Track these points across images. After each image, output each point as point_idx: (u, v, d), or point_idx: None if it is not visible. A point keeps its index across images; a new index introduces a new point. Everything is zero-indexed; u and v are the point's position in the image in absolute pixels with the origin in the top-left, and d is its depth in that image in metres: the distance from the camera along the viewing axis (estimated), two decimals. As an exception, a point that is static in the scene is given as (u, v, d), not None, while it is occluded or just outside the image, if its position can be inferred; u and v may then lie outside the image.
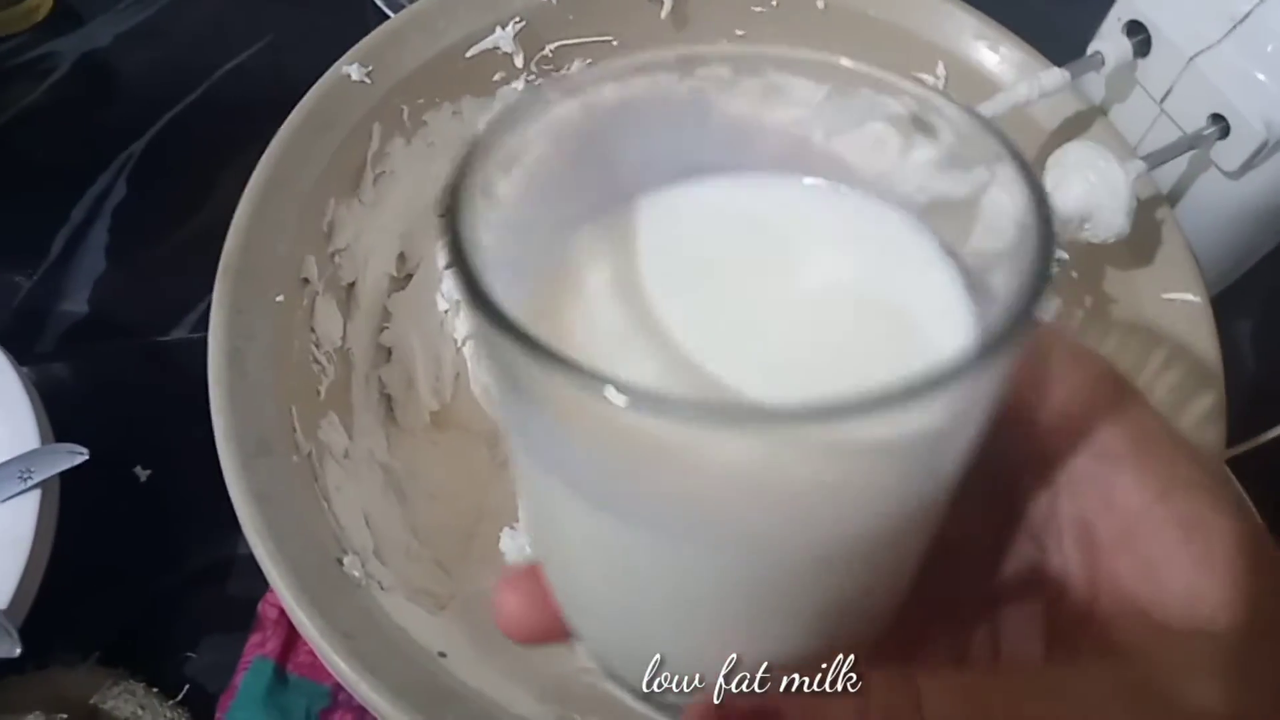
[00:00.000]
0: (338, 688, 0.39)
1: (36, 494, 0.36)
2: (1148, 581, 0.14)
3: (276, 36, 0.57)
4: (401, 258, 0.43)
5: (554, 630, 0.18)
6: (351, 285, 0.40)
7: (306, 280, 0.36)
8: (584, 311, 0.15)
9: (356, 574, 0.30)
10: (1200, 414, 0.34)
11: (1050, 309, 0.33)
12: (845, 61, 0.15)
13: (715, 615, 0.15)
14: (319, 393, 0.36)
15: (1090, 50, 0.37)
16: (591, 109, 0.15)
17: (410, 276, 0.43)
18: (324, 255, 0.38)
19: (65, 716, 0.35)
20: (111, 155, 0.52)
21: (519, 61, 0.42)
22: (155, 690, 0.38)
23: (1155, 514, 0.14)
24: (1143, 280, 0.37)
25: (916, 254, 0.15)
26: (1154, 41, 0.35)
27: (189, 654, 0.39)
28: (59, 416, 0.40)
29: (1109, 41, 0.36)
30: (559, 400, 0.12)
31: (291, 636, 0.40)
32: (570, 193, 0.15)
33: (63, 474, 0.37)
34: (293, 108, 0.37)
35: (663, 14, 0.43)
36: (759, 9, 0.43)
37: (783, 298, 0.15)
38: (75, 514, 0.38)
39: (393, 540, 0.36)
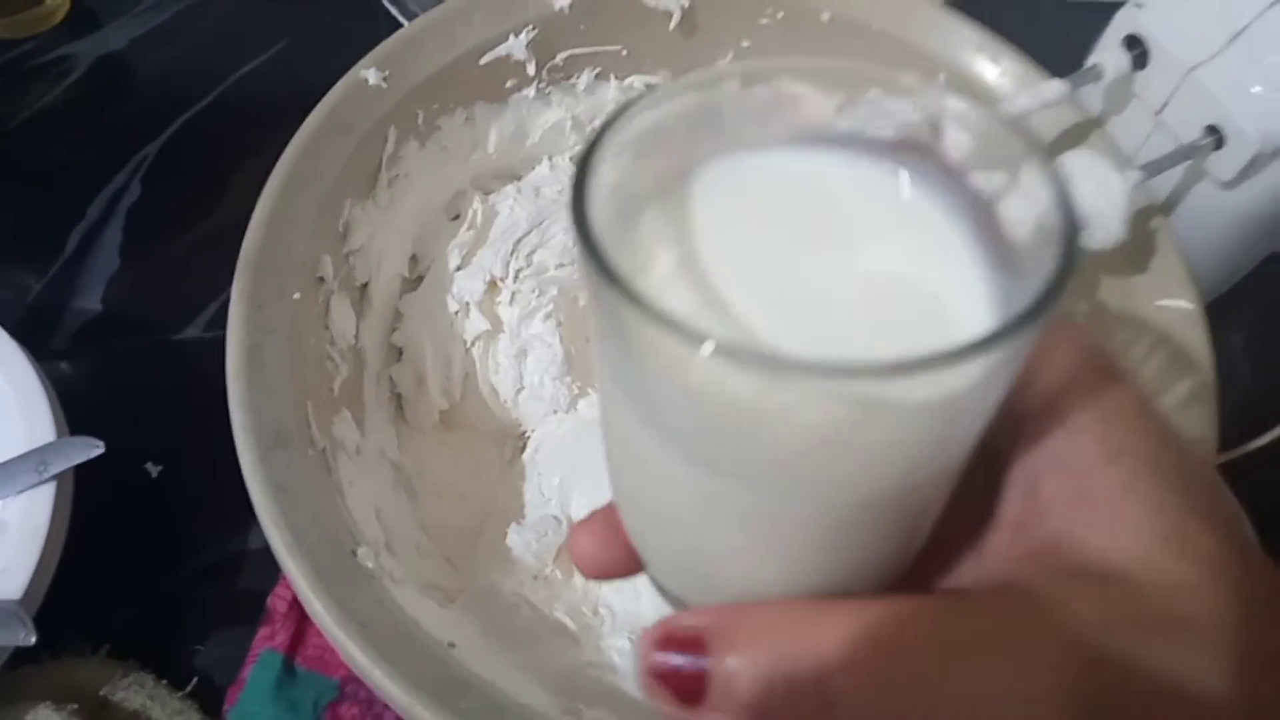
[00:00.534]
0: (346, 681, 0.39)
1: (52, 486, 0.36)
2: (1069, 539, 0.16)
3: (290, 42, 0.58)
4: (414, 259, 0.44)
5: (621, 566, 0.20)
6: (365, 285, 0.41)
7: (322, 279, 0.37)
8: (655, 281, 0.16)
9: (370, 565, 0.31)
10: (1193, 419, 0.35)
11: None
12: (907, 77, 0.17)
13: (778, 552, 0.17)
14: (333, 389, 0.37)
15: (1089, 62, 0.37)
16: (673, 110, 0.17)
17: (421, 278, 0.44)
18: (339, 255, 0.38)
19: (76, 706, 0.35)
20: (127, 155, 0.53)
21: (531, 69, 0.43)
22: (164, 682, 0.38)
23: (1097, 479, 0.16)
24: (1138, 287, 0.38)
25: (950, 240, 0.16)
26: (1152, 54, 0.36)
27: (198, 646, 0.40)
28: (71, 413, 0.40)
29: (1108, 54, 0.37)
30: (663, 358, 0.14)
31: (300, 630, 0.40)
32: (647, 174, 0.17)
33: (76, 469, 0.38)
34: (305, 112, 0.38)
35: (671, 25, 0.44)
36: (765, 21, 0.44)
37: (831, 273, 0.16)
38: (87, 508, 0.39)
39: (403, 535, 0.37)
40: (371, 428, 0.40)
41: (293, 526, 0.30)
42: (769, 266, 0.16)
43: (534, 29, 0.42)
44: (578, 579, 0.39)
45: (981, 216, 0.16)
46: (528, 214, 0.44)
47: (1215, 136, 0.35)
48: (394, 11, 0.56)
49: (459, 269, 0.43)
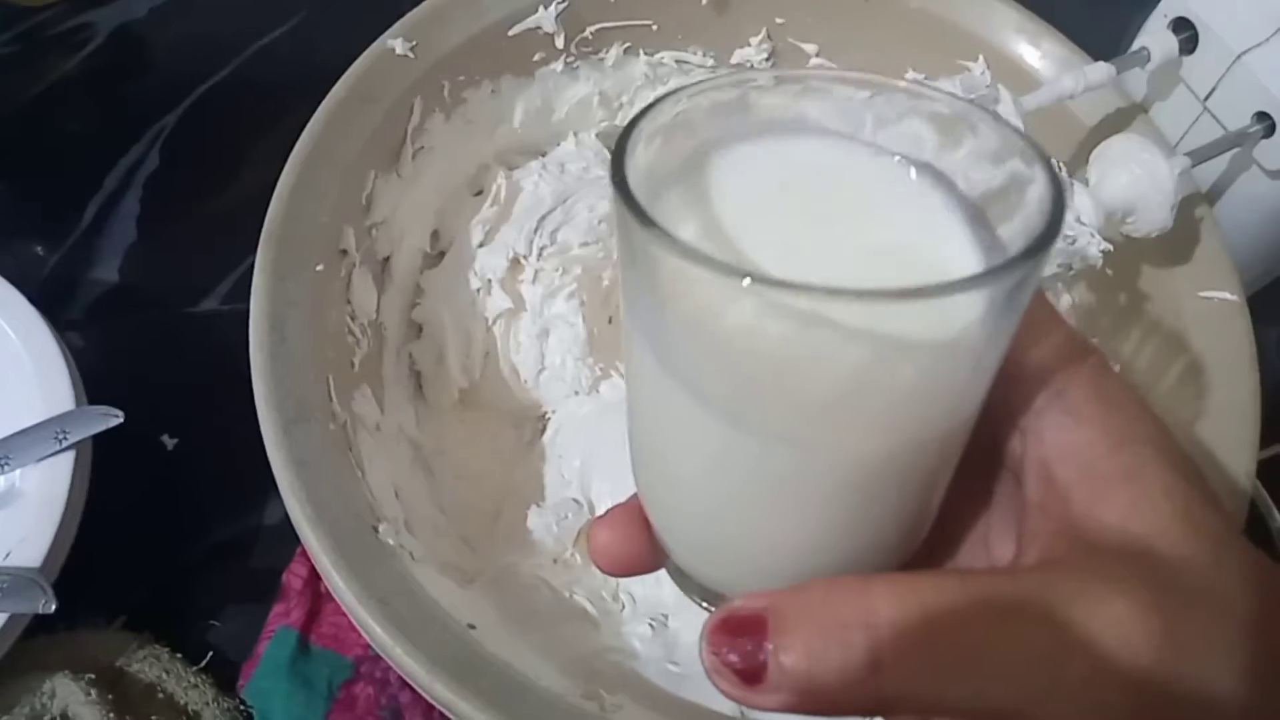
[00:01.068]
0: (360, 659, 0.39)
1: (71, 455, 0.36)
2: (1091, 517, 0.17)
3: (309, 14, 0.57)
4: (435, 235, 0.43)
5: (641, 561, 0.21)
6: (387, 259, 0.40)
7: (345, 251, 0.36)
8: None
9: (391, 542, 0.31)
10: (1233, 412, 0.34)
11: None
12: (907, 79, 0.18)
13: (803, 517, 0.18)
14: (353, 364, 0.37)
15: (1136, 46, 0.37)
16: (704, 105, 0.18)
17: (443, 254, 0.43)
18: (362, 228, 0.38)
19: (93, 677, 0.35)
20: (144, 127, 0.52)
21: (559, 42, 0.42)
22: (179, 656, 0.38)
23: (1108, 462, 0.17)
24: (1179, 277, 0.37)
25: (952, 220, 0.18)
26: (1201, 38, 0.35)
27: (213, 621, 0.40)
28: (88, 384, 0.40)
29: (1154, 37, 0.36)
30: (698, 302, 0.15)
31: (315, 607, 0.40)
32: (672, 157, 0.18)
33: (92, 440, 0.37)
34: (324, 84, 0.37)
35: (703, 0, 0.43)
36: (799, -3, 0.43)
37: (842, 244, 0.17)
38: (103, 480, 0.38)
39: (421, 514, 0.36)
40: (391, 404, 0.39)
41: (314, 501, 0.29)
42: (784, 238, 0.17)
43: (564, 1, 0.41)
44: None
45: (975, 212, 0.18)
46: (552, 191, 0.43)
47: (1265, 124, 0.34)
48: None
49: (481, 245, 0.43)
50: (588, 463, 0.40)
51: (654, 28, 0.43)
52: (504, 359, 0.42)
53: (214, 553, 0.42)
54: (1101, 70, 0.34)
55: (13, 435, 0.36)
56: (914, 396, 0.16)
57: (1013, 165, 0.17)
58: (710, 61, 0.45)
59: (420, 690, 0.29)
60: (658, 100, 0.17)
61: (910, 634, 0.15)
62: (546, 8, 0.40)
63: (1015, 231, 0.16)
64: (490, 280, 0.42)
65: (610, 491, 0.39)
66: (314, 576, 0.40)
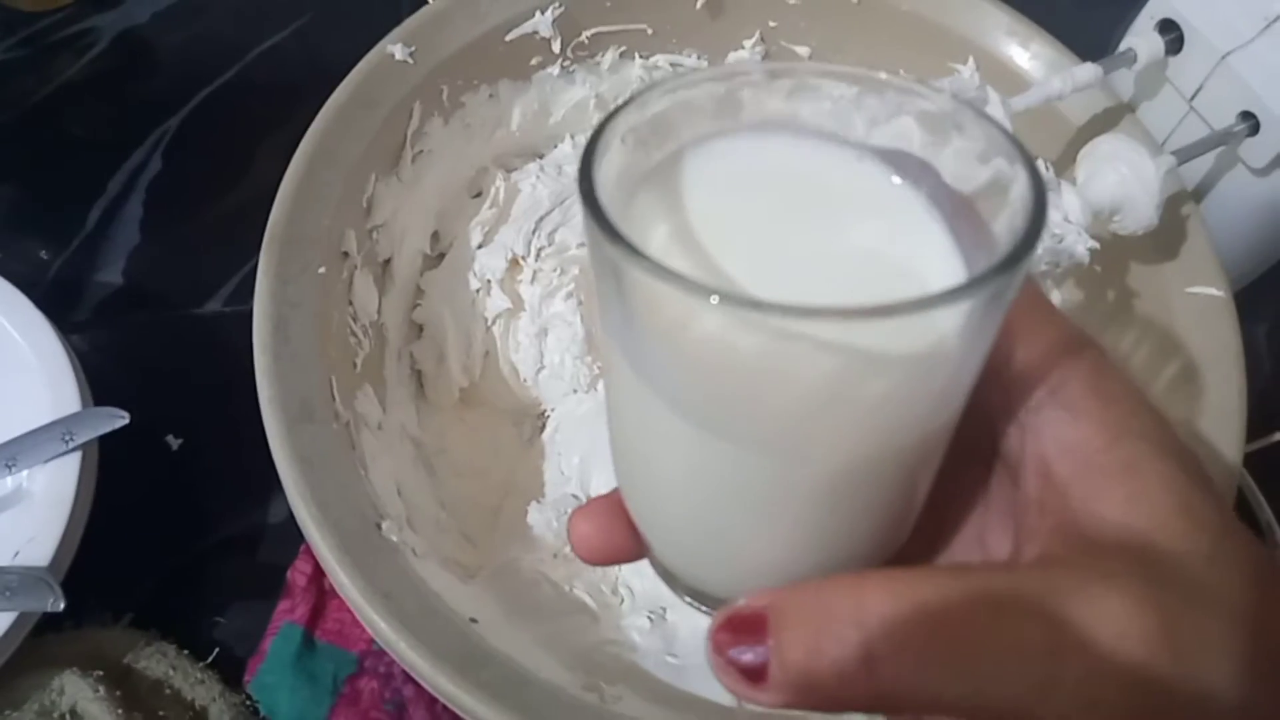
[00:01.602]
0: (364, 654, 0.40)
1: (78, 456, 0.36)
2: (1090, 513, 0.17)
3: (312, 18, 0.58)
4: (435, 236, 0.44)
5: (621, 551, 0.21)
6: (388, 261, 0.41)
7: (346, 254, 0.37)
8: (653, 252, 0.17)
9: (394, 538, 0.31)
10: (1220, 408, 0.34)
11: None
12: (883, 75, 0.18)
13: (780, 520, 0.18)
14: (355, 365, 0.37)
15: (1122, 47, 0.37)
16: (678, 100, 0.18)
17: (443, 255, 0.44)
18: (363, 230, 0.38)
19: (101, 674, 0.36)
20: (148, 130, 0.53)
21: (556, 47, 0.43)
22: (186, 652, 0.38)
23: (1105, 457, 0.17)
24: (1167, 274, 0.37)
25: (930, 225, 0.17)
26: (1186, 39, 0.36)
27: (218, 618, 0.40)
28: (92, 386, 0.40)
29: (1141, 38, 0.37)
30: (667, 317, 0.15)
31: (320, 603, 0.40)
32: (644, 157, 0.18)
33: (98, 441, 0.38)
34: (326, 87, 0.38)
35: (698, 4, 0.43)
36: (793, 1, 0.44)
37: (817, 249, 0.17)
38: (108, 480, 0.39)
39: (423, 511, 0.37)
40: (393, 404, 0.40)
41: (319, 499, 0.30)
42: (759, 241, 0.17)
43: (560, 6, 0.41)
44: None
45: (960, 205, 0.17)
46: (550, 192, 0.44)
47: (1249, 123, 0.34)
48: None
49: (481, 247, 0.43)
50: (587, 459, 0.41)
51: (649, 32, 0.44)
52: (503, 358, 0.43)
53: (219, 550, 0.42)
54: (1089, 71, 0.35)
55: (20, 437, 0.37)
56: (889, 406, 0.16)
57: (997, 165, 0.16)
58: (705, 65, 0.46)
59: (424, 684, 0.29)
60: (632, 97, 0.17)
61: (904, 630, 0.15)
62: (543, 13, 0.41)
63: (1000, 231, 0.16)
64: (489, 281, 0.43)
65: (609, 487, 0.39)
66: (318, 573, 0.40)
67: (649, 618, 0.37)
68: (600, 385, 0.43)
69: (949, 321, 0.14)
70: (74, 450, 0.36)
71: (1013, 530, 0.19)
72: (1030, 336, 0.18)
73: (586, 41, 0.43)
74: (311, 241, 0.35)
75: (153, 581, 0.41)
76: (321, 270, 0.35)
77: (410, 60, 0.39)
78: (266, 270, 0.33)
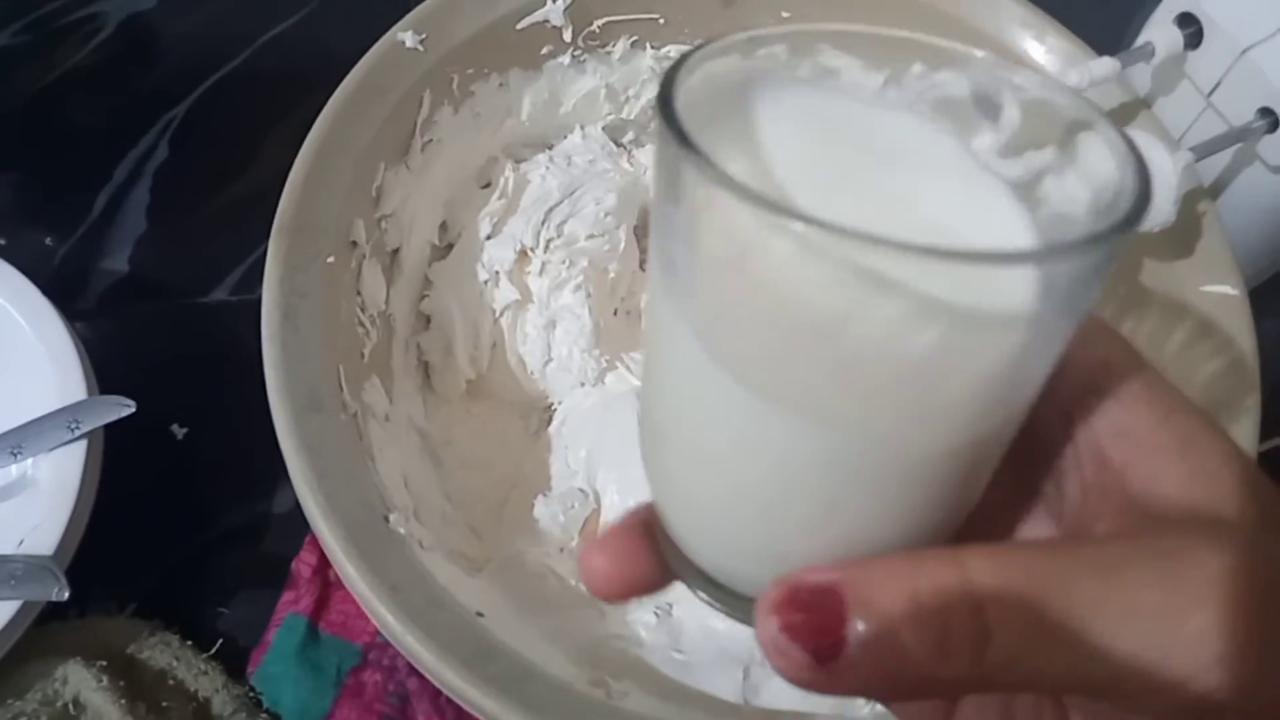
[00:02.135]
0: (369, 646, 0.39)
1: (83, 444, 0.36)
2: (1151, 493, 0.16)
3: (320, 5, 0.57)
4: (444, 226, 0.43)
5: (641, 583, 0.19)
6: (396, 251, 0.41)
7: (355, 243, 0.37)
8: None
9: (401, 531, 0.31)
10: (1235, 407, 0.34)
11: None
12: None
13: (843, 504, 0.16)
14: (363, 355, 0.37)
15: (1140, 40, 0.37)
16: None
17: (451, 246, 0.43)
18: (371, 220, 0.38)
19: (105, 664, 0.35)
20: (154, 117, 0.53)
21: (567, 36, 0.42)
22: (189, 643, 0.38)
23: (1158, 436, 0.17)
24: (1182, 271, 0.37)
25: (996, 198, 0.17)
26: (1206, 33, 0.35)
27: (222, 609, 0.40)
28: (98, 374, 0.40)
29: (1160, 31, 0.36)
30: (734, 246, 0.14)
31: (324, 595, 0.40)
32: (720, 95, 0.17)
33: (103, 429, 0.37)
34: (334, 75, 0.37)
35: (711, -7, 0.43)
36: (806, -9, 0.43)
37: (890, 213, 0.16)
38: (113, 469, 0.39)
39: (429, 503, 0.37)
40: (399, 395, 0.39)
41: (326, 490, 0.30)
42: (833, 194, 0.16)
43: (572, -6, 0.41)
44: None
45: (1036, 181, 0.16)
46: (559, 183, 0.44)
47: (1268, 119, 0.34)
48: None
49: (489, 238, 0.43)
50: (593, 453, 0.40)
51: (661, 21, 0.44)
52: (511, 350, 0.43)
53: (224, 541, 0.42)
54: (1106, 65, 0.34)
55: (26, 424, 0.36)
56: (988, 380, 0.14)
57: (1082, 138, 0.16)
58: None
59: (430, 677, 0.29)
60: (716, 39, 0.16)
61: (1015, 602, 0.14)
62: (554, 1, 0.41)
63: (1071, 206, 0.15)
64: (498, 272, 0.42)
65: (616, 480, 0.39)
66: (323, 564, 0.40)
67: (655, 613, 0.37)
68: (608, 379, 0.42)
69: (1064, 280, 0.13)
70: (80, 438, 0.36)
71: (1057, 521, 0.18)
72: (1078, 340, 0.17)
73: (598, 31, 0.43)
74: (320, 231, 0.34)
75: (157, 571, 0.41)
76: (330, 260, 0.35)
77: (421, 48, 0.38)
78: (275, 259, 0.33)
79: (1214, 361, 0.35)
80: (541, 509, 0.39)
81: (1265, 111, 0.34)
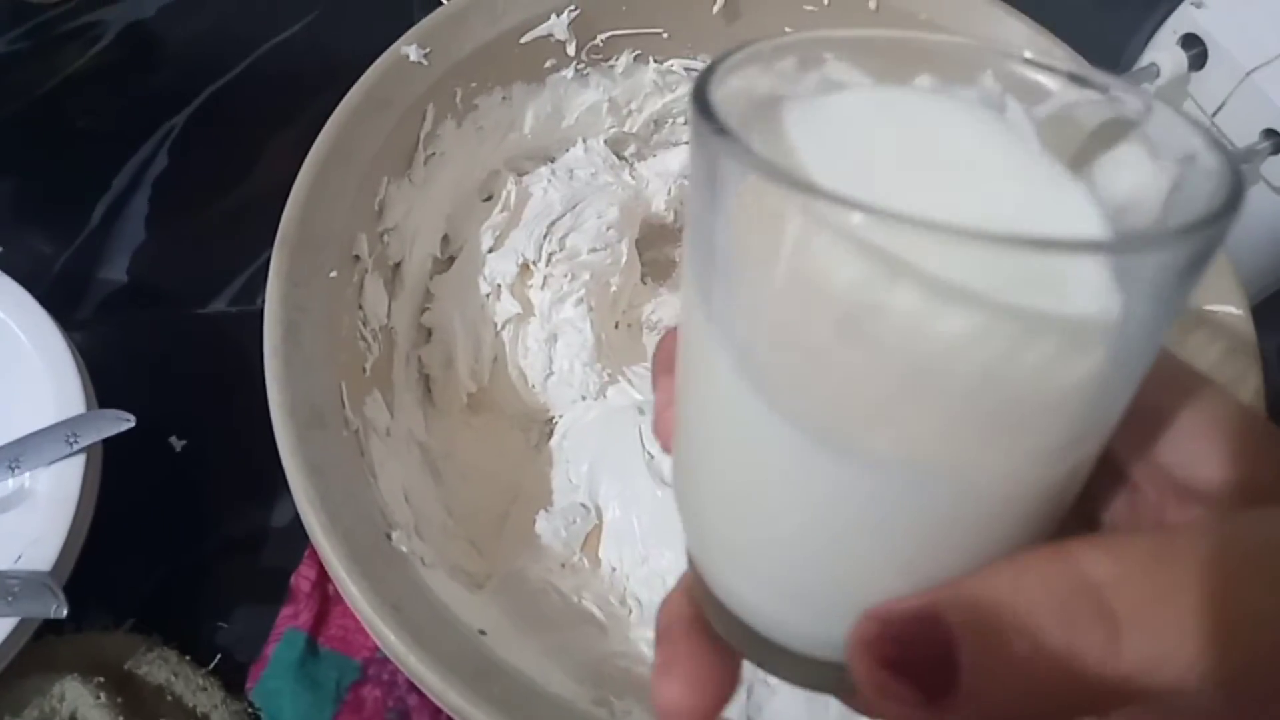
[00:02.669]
0: (368, 662, 0.39)
1: (82, 458, 0.36)
2: (1195, 479, 0.15)
3: (321, 13, 0.57)
4: (446, 239, 0.43)
5: (722, 697, 0.17)
6: (398, 265, 0.41)
7: (357, 257, 0.37)
8: None
9: (404, 549, 0.31)
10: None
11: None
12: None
13: (903, 549, 0.14)
14: (365, 369, 0.37)
15: (1144, 61, 0.37)
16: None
17: (453, 259, 0.43)
18: (374, 233, 0.38)
19: (102, 680, 0.35)
20: (154, 125, 0.52)
21: (571, 50, 0.42)
22: (188, 658, 0.38)
23: (1188, 420, 0.15)
24: (1185, 292, 0.37)
25: (1070, 197, 0.15)
26: (1210, 55, 0.35)
27: (221, 624, 0.40)
28: (95, 384, 0.40)
29: (1163, 52, 0.36)
30: (772, 237, 0.12)
31: (323, 609, 0.40)
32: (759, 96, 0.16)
33: (102, 442, 0.37)
34: (335, 83, 0.37)
35: (715, 9, 0.43)
36: (810, 7, 0.43)
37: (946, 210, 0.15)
38: (111, 481, 0.39)
39: (430, 518, 0.37)
40: (400, 409, 0.39)
41: (329, 508, 0.30)
42: (891, 195, 0.15)
43: (576, 8, 0.41)
44: (605, 568, 0.39)
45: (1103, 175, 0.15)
46: (561, 196, 0.44)
47: (1273, 141, 0.34)
48: (427, -14, 0.55)
49: (491, 251, 0.43)
50: (595, 467, 0.40)
51: (665, 36, 0.44)
52: (512, 364, 0.42)
53: (222, 554, 0.42)
54: (1111, 86, 0.34)
55: (24, 438, 0.36)
56: (1086, 402, 0.13)
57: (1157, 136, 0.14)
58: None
59: (433, 697, 0.29)
60: (754, 43, 0.15)
61: (1142, 578, 0.13)
62: (559, 15, 0.41)
63: (1151, 197, 0.14)
64: (500, 285, 0.42)
65: (618, 495, 0.39)
66: (322, 578, 0.40)
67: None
68: (609, 393, 0.42)
69: (1155, 277, 0.12)
70: (78, 452, 0.36)
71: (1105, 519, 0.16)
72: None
73: (601, 44, 0.43)
74: (323, 245, 0.34)
75: (155, 585, 0.40)
76: (333, 274, 0.34)
77: (424, 61, 0.38)
78: (278, 273, 0.33)
79: (1219, 380, 0.35)
80: (543, 524, 0.39)
81: (1270, 133, 0.34)
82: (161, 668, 0.37)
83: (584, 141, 0.46)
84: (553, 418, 0.43)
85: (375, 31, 0.39)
